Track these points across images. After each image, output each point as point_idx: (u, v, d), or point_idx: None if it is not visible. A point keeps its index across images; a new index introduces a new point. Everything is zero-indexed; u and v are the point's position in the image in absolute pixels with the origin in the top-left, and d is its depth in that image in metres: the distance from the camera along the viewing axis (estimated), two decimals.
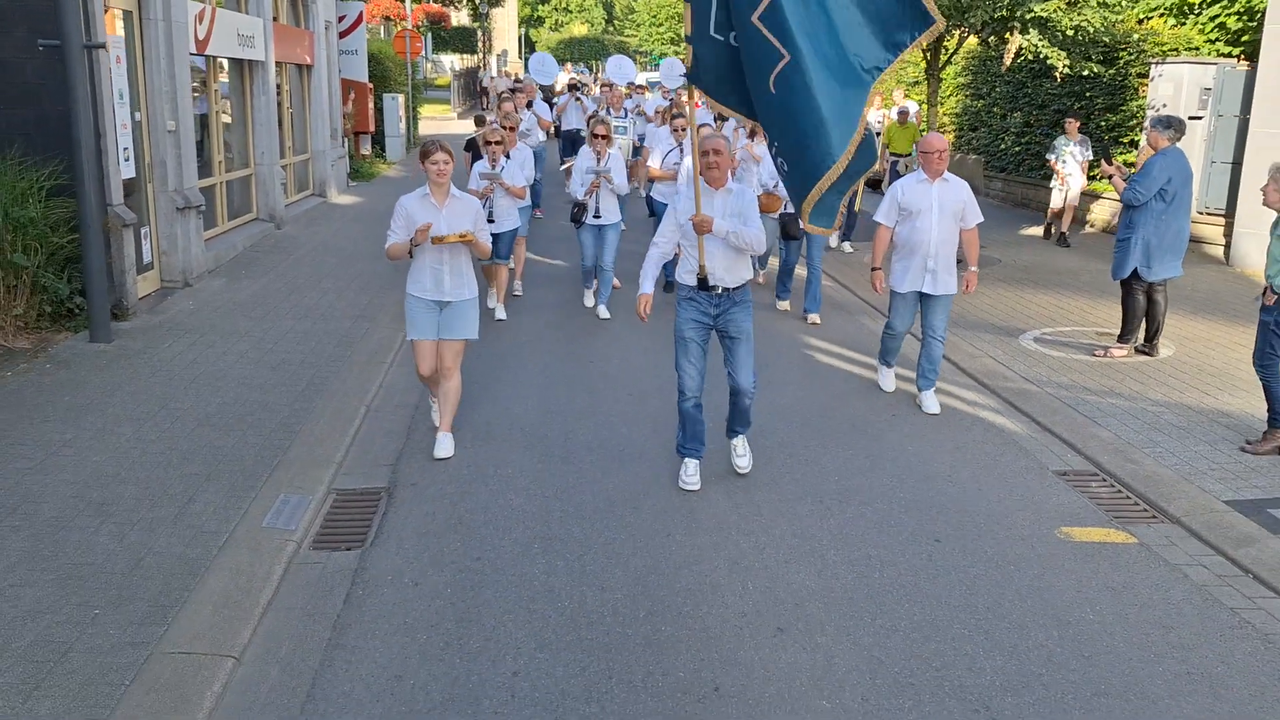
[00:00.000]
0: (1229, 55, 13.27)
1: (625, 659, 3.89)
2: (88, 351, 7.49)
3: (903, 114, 14.83)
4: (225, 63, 11.71)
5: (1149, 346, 7.98)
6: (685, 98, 9.47)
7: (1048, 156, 13.55)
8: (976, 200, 6.80)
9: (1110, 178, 8.21)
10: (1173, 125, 7.78)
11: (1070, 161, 12.99)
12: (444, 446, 5.85)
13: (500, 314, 8.98)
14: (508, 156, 8.68)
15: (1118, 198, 8.69)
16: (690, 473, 5.40)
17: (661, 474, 5.64)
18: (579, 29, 64.18)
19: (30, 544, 4.58)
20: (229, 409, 6.40)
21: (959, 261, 6.75)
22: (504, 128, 9.06)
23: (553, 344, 8.34)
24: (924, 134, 10.30)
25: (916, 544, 4.86)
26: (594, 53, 57.19)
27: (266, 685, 3.72)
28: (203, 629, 4.01)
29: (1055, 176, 13.15)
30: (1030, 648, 3.99)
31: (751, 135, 9.66)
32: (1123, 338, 8.03)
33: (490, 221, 8.31)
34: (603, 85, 20.57)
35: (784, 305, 9.60)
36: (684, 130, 9.30)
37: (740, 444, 5.61)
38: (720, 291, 5.25)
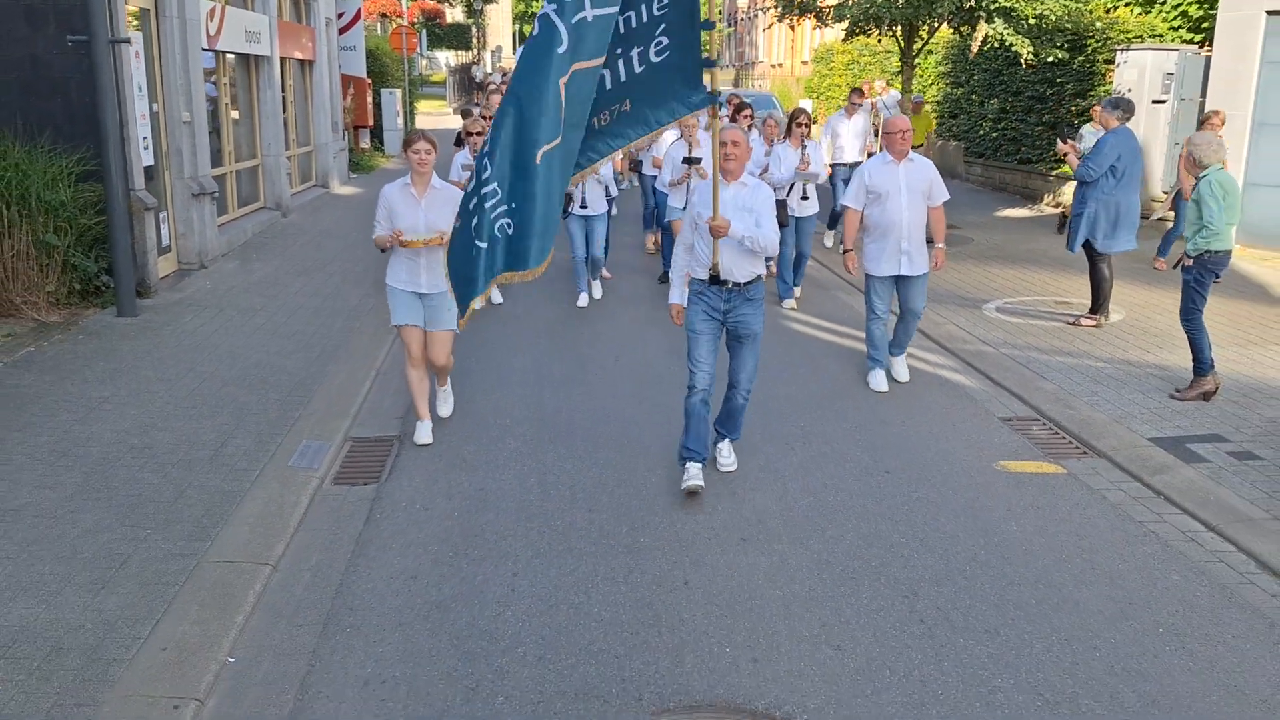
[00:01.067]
0: (1191, 42, 13.89)
1: (609, 562, 4.51)
2: (116, 325, 8.10)
3: (918, 104, 14.47)
4: (232, 58, 12.29)
5: (1096, 315, 8.58)
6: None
7: (1070, 143, 11.95)
8: (958, 185, 7.26)
9: (1066, 156, 8.83)
10: (1121, 106, 8.40)
11: None
12: (446, 404, 6.32)
13: (497, 298, 9.17)
14: None
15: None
16: (692, 475, 5.18)
17: (646, 422, 6.25)
18: None
19: (83, 479, 5.19)
20: (250, 373, 7.01)
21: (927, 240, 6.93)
22: (484, 118, 9.15)
23: (546, 318, 8.94)
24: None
25: (869, 475, 5.47)
26: None
27: (300, 586, 4.33)
28: (242, 544, 4.62)
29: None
30: (958, 551, 4.61)
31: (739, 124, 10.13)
32: (1095, 309, 8.56)
33: None
34: None
35: (791, 304, 9.36)
36: (684, 122, 8.96)
37: (726, 448, 5.54)
38: (731, 286, 5.14)
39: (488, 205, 4.44)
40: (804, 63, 35.68)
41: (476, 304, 4.72)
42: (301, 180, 15.57)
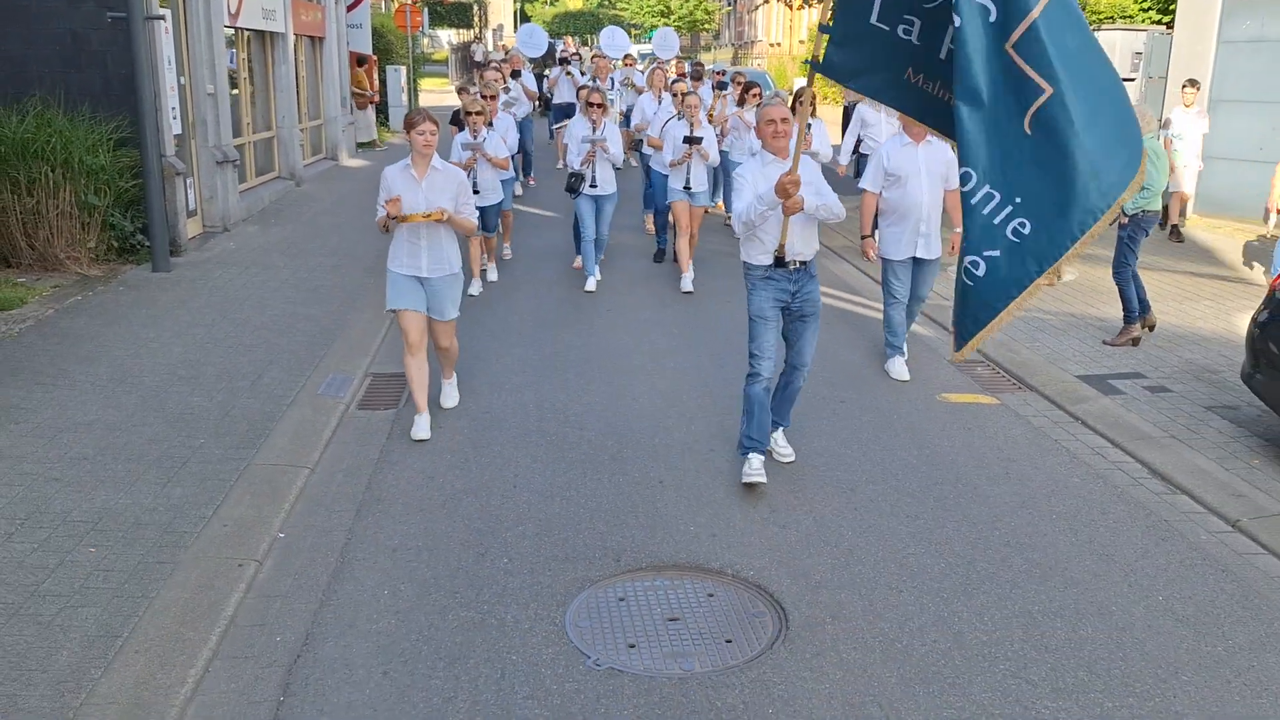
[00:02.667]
0: (1159, 23, 14.57)
1: (596, 467, 5.29)
2: (152, 279, 8.87)
3: None
4: (250, 35, 12.99)
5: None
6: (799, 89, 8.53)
7: (1164, 135, 11.08)
8: None
9: None
10: None
11: (1185, 139, 11.23)
12: (450, 396, 6.12)
13: (491, 275, 9.20)
14: (490, 126, 8.62)
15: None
16: (755, 467, 5.05)
17: (635, 366, 7.03)
18: (574, 2, 65.09)
19: (140, 401, 5.97)
20: (279, 319, 7.78)
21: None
22: (484, 96, 9.17)
23: (544, 289, 9.70)
24: None
25: (825, 405, 6.25)
26: (589, 26, 58.12)
27: (335, 483, 5.12)
28: (283, 451, 5.41)
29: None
30: (892, 460, 5.40)
31: (741, 102, 10.34)
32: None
33: (475, 193, 8.08)
34: (594, 56, 20.95)
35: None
36: (688, 103, 9.08)
37: (782, 437, 5.45)
38: (796, 265, 5.02)
39: (986, 212, 3.98)
40: (800, 42, 36.25)
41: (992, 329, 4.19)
42: (312, 152, 16.29)
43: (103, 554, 4.25)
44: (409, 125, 5.45)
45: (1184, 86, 11.35)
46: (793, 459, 5.34)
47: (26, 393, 5.99)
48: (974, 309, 4.11)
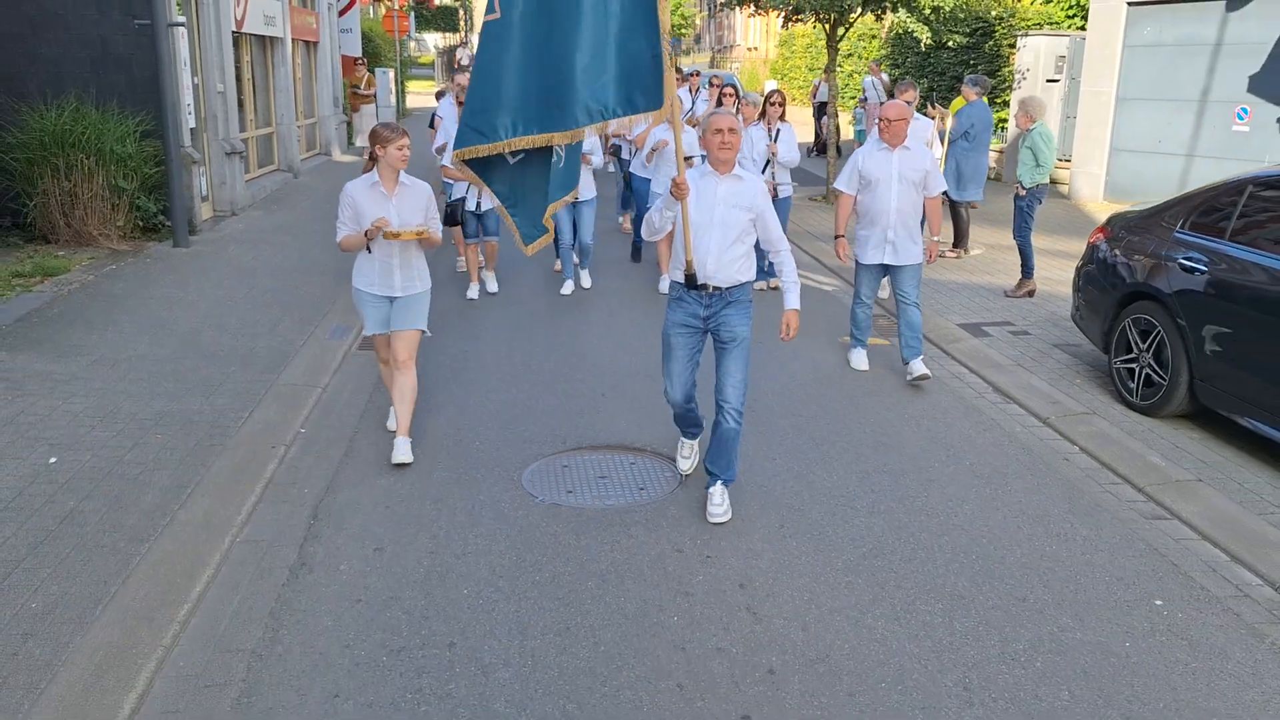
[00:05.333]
0: (1083, 29, 15.98)
1: (551, 387, 6.61)
2: (174, 253, 10.14)
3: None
4: (252, 39, 14.25)
5: (958, 249, 10.72)
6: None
7: (937, 107, 11.35)
8: None
9: (934, 119, 10.93)
10: (979, 84, 10.52)
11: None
12: (401, 451, 5.35)
13: (491, 286, 9.16)
14: None
15: None
16: (685, 454, 5.18)
17: (614, 320, 8.34)
18: None
19: (179, 342, 7.26)
20: (286, 286, 9.07)
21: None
22: (459, 102, 8.97)
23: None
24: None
25: (759, 350, 7.58)
26: None
27: (342, 400, 6.42)
28: (301, 376, 6.71)
29: None
30: (792, 382, 6.74)
31: (719, 103, 10.23)
32: (956, 244, 10.73)
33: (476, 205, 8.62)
34: None
35: (759, 285, 8.78)
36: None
37: (719, 493, 4.72)
38: (711, 290, 4.60)
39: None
40: (776, 46, 37.66)
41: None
42: (307, 148, 17.55)
43: (167, 439, 5.54)
44: (384, 141, 5.11)
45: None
46: (724, 520, 4.67)
47: (85, 335, 7.27)
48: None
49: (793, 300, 4.72)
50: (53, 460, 5.19)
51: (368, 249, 5.28)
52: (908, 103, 8.22)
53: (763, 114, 9.00)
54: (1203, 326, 5.59)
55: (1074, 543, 4.59)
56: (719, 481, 4.74)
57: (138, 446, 5.42)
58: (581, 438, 5.77)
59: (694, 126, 9.64)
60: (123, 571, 4.18)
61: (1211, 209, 5.89)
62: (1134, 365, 6.16)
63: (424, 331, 5.53)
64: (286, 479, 5.22)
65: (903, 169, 6.54)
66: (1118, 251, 6.49)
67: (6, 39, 10.08)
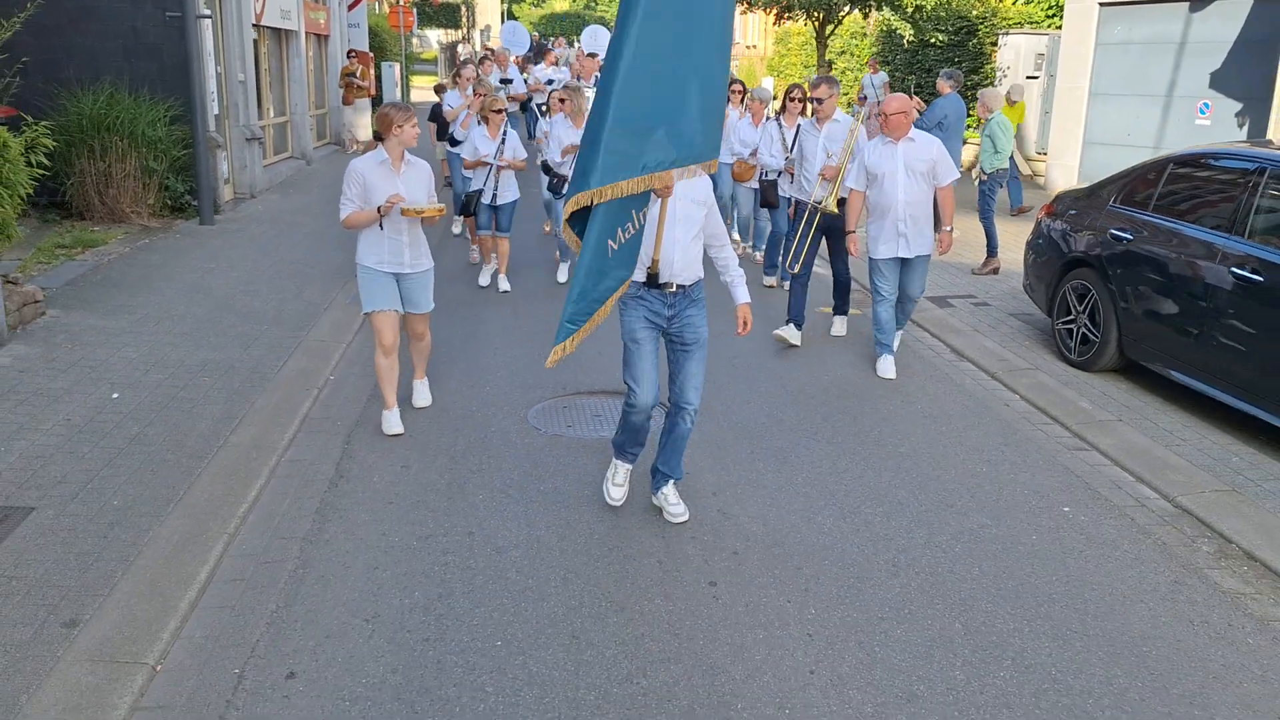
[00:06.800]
0: (1061, 28, 16.72)
1: (578, 361, 7.34)
2: (201, 230, 10.87)
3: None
4: (269, 32, 14.97)
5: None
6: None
7: (914, 98, 11.17)
8: None
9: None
10: (952, 78, 11.24)
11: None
12: (421, 395, 6.05)
13: (504, 285, 9.09)
14: (483, 123, 8.68)
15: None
16: (619, 480, 4.81)
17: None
18: (560, 3, 67.15)
19: (215, 305, 7.99)
20: (307, 258, 9.81)
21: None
22: (476, 94, 9.41)
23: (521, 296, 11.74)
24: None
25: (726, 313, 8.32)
26: (574, 27, 60.13)
27: (365, 355, 7.14)
28: (327, 334, 7.44)
29: None
30: (773, 348, 7.47)
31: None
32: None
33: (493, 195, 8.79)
34: (579, 55, 21.83)
35: (771, 281, 9.30)
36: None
37: (673, 493, 4.73)
38: (674, 289, 4.53)
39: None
40: (773, 44, 38.35)
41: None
42: (319, 137, 18.27)
43: (212, 382, 6.28)
44: (393, 123, 5.24)
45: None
46: (686, 518, 4.66)
47: (130, 297, 8.01)
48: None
49: (743, 295, 4.66)
50: (115, 395, 5.93)
51: (380, 225, 5.37)
52: None
53: (782, 109, 8.85)
54: (1129, 288, 6.33)
55: (1002, 466, 5.33)
56: (671, 481, 4.72)
57: (189, 386, 6.16)
58: (580, 385, 6.50)
59: None
60: (188, 479, 4.92)
61: (1139, 185, 6.62)
62: (1072, 326, 6.90)
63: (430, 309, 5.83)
64: (321, 414, 5.96)
65: (908, 160, 6.52)
66: (1061, 225, 7.23)
67: (47, 30, 10.81)
